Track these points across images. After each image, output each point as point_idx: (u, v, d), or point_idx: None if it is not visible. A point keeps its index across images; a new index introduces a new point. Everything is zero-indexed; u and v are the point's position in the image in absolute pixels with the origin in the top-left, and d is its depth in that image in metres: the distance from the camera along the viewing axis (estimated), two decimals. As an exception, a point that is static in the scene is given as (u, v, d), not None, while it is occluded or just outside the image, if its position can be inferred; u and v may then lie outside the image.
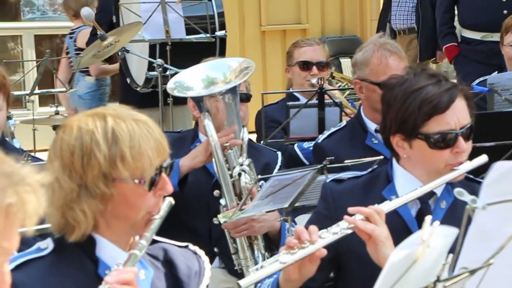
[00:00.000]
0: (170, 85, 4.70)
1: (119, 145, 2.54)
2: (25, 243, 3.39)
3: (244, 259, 4.30)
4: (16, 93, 7.11)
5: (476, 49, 7.96)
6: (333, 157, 4.00)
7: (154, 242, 2.72)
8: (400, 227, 3.18)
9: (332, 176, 3.61)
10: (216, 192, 4.50)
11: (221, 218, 4.23)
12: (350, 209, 3.03)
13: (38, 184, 1.82)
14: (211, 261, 4.43)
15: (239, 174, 4.38)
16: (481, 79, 6.00)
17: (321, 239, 2.94)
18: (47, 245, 2.65)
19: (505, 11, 7.55)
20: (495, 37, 7.01)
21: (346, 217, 3.01)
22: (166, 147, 2.65)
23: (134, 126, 2.59)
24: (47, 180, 1.88)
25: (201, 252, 2.87)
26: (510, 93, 5.51)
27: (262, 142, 5.33)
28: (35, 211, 1.81)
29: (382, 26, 9.93)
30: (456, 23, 8.41)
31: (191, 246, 2.87)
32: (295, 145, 5.08)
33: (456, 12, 8.36)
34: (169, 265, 2.76)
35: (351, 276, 3.29)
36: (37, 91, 7.45)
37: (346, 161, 4.05)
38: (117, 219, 2.62)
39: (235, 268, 4.35)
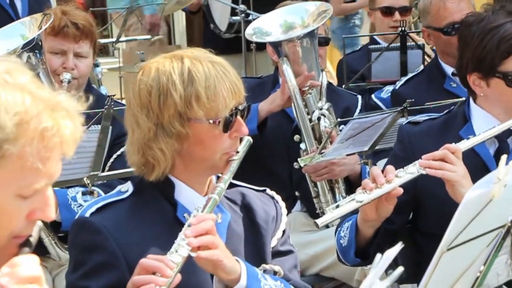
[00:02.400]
0: (249, 31, 4.71)
1: (194, 85, 2.57)
2: (110, 186, 3.46)
3: (325, 203, 4.31)
4: (102, 41, 7.19)
5: None
6: (413, 99, 3.97)
7: (232, 186, 2.74)
8: (478, 165, 3.15)
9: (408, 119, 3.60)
10: (296, 137, 4.49)
11: (301, 162, 4.24)
12: (424, 157, 3.01)
13: (75, 110, 1.84)
14: (293, 205, 4.54)
15: (319, 118, 4.38)
16: None
17: (398, 178, 2.95)
18: (127, 188, 2.70)
19: None
20: None
21: (421, 161, 3.00)
22: (241, 89, 2.66)
23: (210, 67, 2.61)
24: (84, 109, 1.89)
25: (278, 197, 2.88)
26: None
27: (343, 86, 5.30)
28: (73, 136, 1.81)
29: None
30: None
31: (268, 191, 2.88)
32: (373, 95, 5.03)
33: None
34: (246, 209, 2.78)
35: (430, 216, 3.25)
36: (123, 38, 7.53)
37: (426, 103, 4.01)
38: (194, 161, 2.65)
39: (317, 211, 4.35)
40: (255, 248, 2.73)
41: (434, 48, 5.08)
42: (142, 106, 2.61)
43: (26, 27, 4.20)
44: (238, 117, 2.64)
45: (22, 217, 1.82)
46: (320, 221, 2.97)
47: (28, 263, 1.80)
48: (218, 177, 2.66)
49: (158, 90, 2.58)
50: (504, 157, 2.33)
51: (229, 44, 7.09)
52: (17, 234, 1.83)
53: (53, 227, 3.86)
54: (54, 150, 1.79)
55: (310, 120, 4.39)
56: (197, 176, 2.67)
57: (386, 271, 3.10)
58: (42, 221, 3.83)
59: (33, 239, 1.86)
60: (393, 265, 3.36)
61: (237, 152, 2.67)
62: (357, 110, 4.55)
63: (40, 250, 3.88)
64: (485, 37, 3.19)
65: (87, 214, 2.63)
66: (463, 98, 3.83)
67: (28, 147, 1.76)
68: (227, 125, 2.61)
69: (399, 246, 2.10)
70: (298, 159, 4.25)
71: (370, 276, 1.98)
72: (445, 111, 3.48)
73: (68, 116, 1.81)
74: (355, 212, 3.01)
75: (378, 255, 2.10)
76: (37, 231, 1.88)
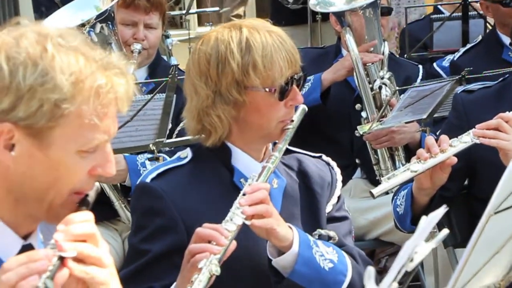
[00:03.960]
0: (313, 1, 4.70)
1: (251, 54, 2.58)
2: (176, 152, 3.50)
3: (385, 170, 4.31)
4: (172, 13, 7.23)
5: None
6: (471, 68, 3.94)
7: (289, 152, 2.74)
8: None
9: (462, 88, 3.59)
10: (357, 106, 4.49)
11: (360, 129, 4.24)
12: (478, 126, 2.99)
13: (127, 68, 1.86)
14: (353, 172, 4.56)
15: (380, 87, 4.37)
16: None
17: (452, 148, 2.93)
18: (187, 154, 2.72)
19: None
20: None
21: (475, 130, 2.98)
22: (297, 59, 2.66)
23: (267, 36, 2.61)
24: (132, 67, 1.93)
25: (333, 163, 2.87)
26: None
27: (405, 56, 5.27)
28: (126, 92, 1.85)
29: None
30: None
31: (324, 157, 2.87)
32: (434, 63, 4.98)
33: None
34: (302, 175, 2.77)
35: (485, 182, 3.22)
36: (192, 10, 7.56)
37: (484, 72, 3.98)
38: (250, 128, 2.66)
39: (376, 178, 4.33)
40: (310, 213, 2.73)
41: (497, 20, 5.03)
42: (201, 74, 2.63)
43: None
44: (294, 86, 2.64)
45: (84, 173, 1.85)
46: (376, 191, 2.98)
47: (83, 221, 1.82)
48: (274, 144, 2.66)
49: (217, 59, 2.60)
50: None
51: (296, 15, 7.07)
52: (78, 189, 1.86)
53: (123, 191, 3.94)
54: (109, 106, 1.83)
55: (372, 89, 4.39)
56: (253, 143, 2.68)
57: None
58: (114, 186, 3.92)
59: (91, 199, 1.89)
60: (449, 231, 3.41)
61: (292, 121, 2.66)
62: (418, 80, 4.52)
63: (111, 213, 3.98)
64: None
65: (148, 179, 2.66)
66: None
67: (85, 105, 1.80)
68: (283, 94, 2.61)
69: (443, 209, 2.11)
70: (358, 127, 4.26)
71: (414, 237, 2.00)
72: (499, 79, 3.45)
73: (121, 74, 1.85)
74: (410, 180, 3.00)
75: (423, 217, 2.12)
76: (94, 192, 1.90)
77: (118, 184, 3.92)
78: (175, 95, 3.58)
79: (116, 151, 3.66)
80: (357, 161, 4.56)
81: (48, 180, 1.84)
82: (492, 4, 4.51)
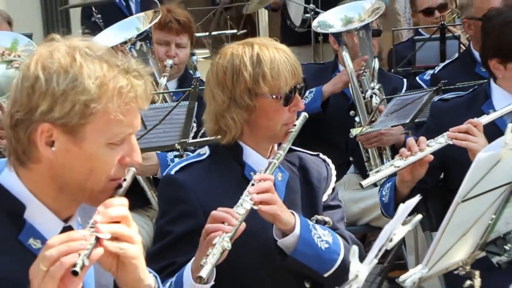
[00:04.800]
0: (315, 24, 4.73)
1: (261, 66, 2.59)
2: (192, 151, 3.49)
3: (375, 166, 4.28)
4: (198, 35, 7.23)
5: None
6: (446, 80, 3.93)
7: (292, 150, 2.74)
8: (497, 135, 3.08)
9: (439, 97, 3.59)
10: (352, 112, 4.48)
11: (353, 132, 4.23)
12: (452, 129, 2.99)
13: (145, 71, 1.87)
14: (347, 168, 4.54)
15: (371, 96, 4.38)
16: None
17: (429, 147, 2.93)
18: (205, 151, 2.74)
19: None
20: None
21: (448, 133, 2.98)
22: (300, 72, 2.68)
23: (275, 52, 2.63)
24: (151, 71, 1.93)
25: (329, 160, 2.87)
26: None
27: (392, 70, 5.26)
28: (145, 92, 1.85)
29: None
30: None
31: (321, 155, 2.87)
32: (417, 77, 4.95)
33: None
34: (303, 170, 2.77)
35: (456, 177, 3.20)
36: (214, 33, 7.56)
37: (458, 84, 3.97)
38: (259, 129, 2.66)
39: (367, 173, 4.32)
40: (309, 202, 2.73)
41: (468, 38, 5.01)
42: (218, 83, 2.64)
43: (140, 22, 4.29)
44: (297, 94, 2.65)
45: (115, 162, 1.85)
46: (364, 182, 2.98)
47: (119, 205, 1.83)
48: (279, 145, 2.67)
49: (232, 70, 2.61)
50: (510, 125, 2.32)
51: (302, 37, 7.04)
52: (113, 177, 1.86)
53: (155, 183, 3.94)
54: (131, 104, 1.84)
55: (364, 98, 4.39)
56: (262, 143, 2.69)
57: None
58: (147, 178, 3.92)
59: (126, 184, 1.89)
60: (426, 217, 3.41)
61: (295, 125, 2.67)
62: (403, 91, 4.51)
63: (144, 201, 3.98)
64: (503, 28, 3.16)
65: (173, 172, 2.67)
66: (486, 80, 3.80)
67: (110, 103, 1.81)
68: (287, 100, 2.62)
69: (417, 199, 2.11)
70: (352, 130, 4.24)
71: (393, 221, 2.00)
72: (470, 90, 3.45)
73: (139, 76, 1.86)
74: (394, 174, 3.00)
75: (401, 205, 2.11)
76: (130, 177, 1.91)
77: (151, 177, 3.91)
78: (197, 103, 3.57)
79: (148, 149, 3.70)
80: (351, 159, 4.54)
81: (84, 170, 1.84)
82: (475, 21, 4.44)
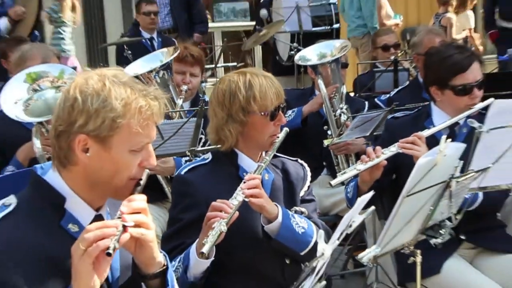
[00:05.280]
0: (296, 58, 4.72)
1: (252, 90, 2.58)
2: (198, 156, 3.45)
3: (342, 169, 4.23)
4: (207, 66, 7.26)
5: (509, 35, 7.40)
6: (398, 102, 3.94)
7: (276, 156, 2.73)
8: (436, 146, 3.11)
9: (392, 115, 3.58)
10: (325, 127, 4.45)
11: (326, 142, 4.23)
12: (401, 141, 2.98)
13: (160, 95, 1.86)
14: (321, 171, 4.49)
15: (340, 115, 4.34)
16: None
17: (383, 154, 2.92)
18: (208, 156, 2.72)
19: None
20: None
21: (398, 143, 2.97)
22: (282, 94, 2.66)
23: (263, 79, 2.61)
24: (167, 95, 1.93)
25: (305, 164, 2.85)
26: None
27: (356, 95, 5.26)
28: (159, 111, 1.85)
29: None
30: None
31: (299, 160, 2.86)
32: (375, 99, 4.94)
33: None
34: (285, 172, 2.76)
35: (404, 177, 3.21)
36: (219, 65, 7.58)
37: (406, 105, 3.97)
38: (250, 139, 2.64)
39: (336, 174, 4.30)
40: (289, 196, 2.72)
41: (416, 70, 5.01)
42: (218, 103, 2.63)
43: (163, 55, 4.28)
44: (280, 111, 2.64)
45: (135, 165, 1.85)
46: (333, 182, 2.95)
47: (139, 199, 1.83)
48: (266, 152, 2.66)
49: (229, 93, 2.60)
50: (443, 137, 2.34)
51: (288, 69, 7.09)
52: (133, 177, 1.86)
53: (171, 181, 3.92)
54: (148, 120, 1.83)
55: (334, 116, 4.35)
56: (252, 150, 2.67)
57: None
58: (165, 177, 3.89)
59: (142, 183, 1.88)
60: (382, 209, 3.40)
61: (278, 137, 2.65)
62: (365, 111, 4.50)
63: (163, 196, 3.96)
64: (441, 63, 3.15)
65: (183, 172, 2.66)
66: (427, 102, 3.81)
67: (132, 119, 1.80)
68: (273, 116, 2.61)
69: (370, 194, 2.12)
70: (324, 141, 4.24)
71: (351, 211, 2.01)
72: (415, 110, 3.45)
73: (155, 98, 1.85)
74: (356, 176, 2.98)
75: (358, 199, 2.12)
76: (145, 178, 1.89)
77: (169, 176, 3.90)
78: (203, 119, 3.57)
79: (166, 155, 3.69)
80: (324, 163, 4.50)
81: (111, 171, 1.84)
82: (422, 56, 4.42)
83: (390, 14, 8.72)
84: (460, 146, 2.36)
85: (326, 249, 1.89)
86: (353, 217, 1.97)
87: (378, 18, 7.94)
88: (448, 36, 8.87)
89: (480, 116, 2.97)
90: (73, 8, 7.77)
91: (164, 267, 1.91)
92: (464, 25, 8.98)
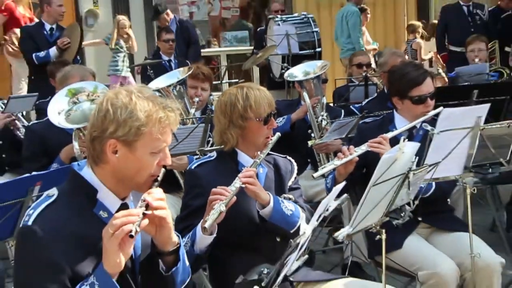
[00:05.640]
0: (286, 75, 4.70)
1: (249, 100, 2.56)
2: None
3: (323, 164, 4.25)
4: (215, 82, 7.25)
5: (457, 56, 7.38)
6: (367, 110, 3.93)
7: (269, 154, 2.71)
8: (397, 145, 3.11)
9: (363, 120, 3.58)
10: (309, 131, 4.43)
11: (310, 143, 4.21)
12: (370, 141, 2.97)
13: (176, 107, 1.86)
14: (306, 166, 4.45)
15: (321, 120, 4.33)
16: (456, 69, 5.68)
17: (355, 152, 2.90)
18: (214, 154, 2.70)
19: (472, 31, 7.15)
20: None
21: (368, 143, 2.97)
22: (273, 103, 2.64)
23: (257, 91, 2.60)
24: (181, 106, 1.91)
25: (293, 160, 2.83)
26: (467, 77, 5.24)
27: (335, 104, 5.25)
28: (175, 121, 1.85)
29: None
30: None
31: (288, 157, 2.83)
32: (351, 106, 4.95)
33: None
34: (276, 166, 2.74)
35: (372, 171, 3.20)
36: (224, 81, 7.58)
37: (375, 112, 3.97)
38: (248, 141, 2.62)
39: (318, 169, 4.29)
40: (279, 186, 2.71)
41: (382, 84, 5.00)
42: (221, 112, 2.61)
43: (179, 73, 4.26)
44: (272, 117, 2.63)
45: (155, 164, 1.85)
46: (315, 174, 2.93)
47: (157, 192, 1.84)
48: (261, 151, 2.63)
49: (230, 103, 2.58)
50: (402, 138, 2.33)
51: (280, 84, 7.05)
52: (152, 174, 1.85)
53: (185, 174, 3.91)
54: (166, 128, 1.83)
55: (317, 122, 4.34)
56: (249, 149, 2.64)
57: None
58: (180, 172, 3.87)
59: (159, 179, 1.88)
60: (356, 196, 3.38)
61: (271, 139, 2.64)
62: (341, 117, 4.49)
63: (178, 187, 3.92)
64: (400, 78, 3.15)
65: (193, 167, 2.65)
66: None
67: (153, 127, 1.80)
68: (266, 121, 2.60)
69: (342, 185, 2.10)
70: (308, 142, 4.22)
71: (327, 198, 2.00)
72: (381, 116, 3.45)
73: (172, 110, 1.85)
74: (334, 170, 2.97)
75: (334, 188, 2.11)
76: (161, 175, 1.89)
77: (183, 171, 3.88)
78: (210, 125, 3.56)
79: (180, 154, 3.68)
80: (309, 160, 4.49)
81: (135, 169, 1.84)
82: (387, 73, 4.42)
83: (369, 40, 9.07)
84: (416, 145, 2.36)
85: (307, 229, 1.89)
86: (329, 203, 1.96)
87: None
88: (418, 56, 9.04)
89: (433, 121, 2.97)
90: (128, 38, 7.82)
91: (178, 245, 1.92)
92: (431, 49, 9.20)
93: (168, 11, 7.72)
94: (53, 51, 6.23)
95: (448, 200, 3.30)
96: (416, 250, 2.98)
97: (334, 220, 4.21)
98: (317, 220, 1.90)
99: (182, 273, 1.96)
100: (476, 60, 5.65)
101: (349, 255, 3.81)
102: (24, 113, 4.75)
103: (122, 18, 7.89)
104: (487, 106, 2.83)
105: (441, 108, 2.89)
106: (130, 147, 1.81)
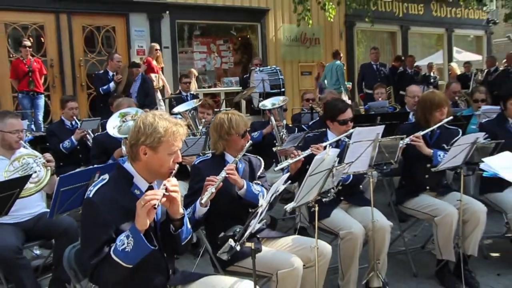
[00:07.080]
0: (260, 105, 4.68)
1: (232, 122, 2.51)
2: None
3: (286, 163, 4.21)
4: (216, 109, 7.18)
5: (369, 96, 7.46)
6: (311, 128, 3.93)
7: (244, 155, 2.66)
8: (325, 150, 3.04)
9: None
10: (275, 141, 4.42)
11: (275, 149, 4.15)
12: (312, 146, 2.93)
13: (184, 124, 1.86)
14: (272, 164, 4.34)
15: (282, 134, 4.33)
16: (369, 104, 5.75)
17: (302, 154, 2.86)
18: (209, 154, 2.65)
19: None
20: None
21: (310, 148, 2.92)
22: (248, 123, 2.59)
23: (237, 116, 2.55)
24: (186, 123, 1.91)
25: (261, 158, 2.76)
26: (375, 109, 5.30)
27: (292, 124, 5.23)
28: (184, 132, 1.84)
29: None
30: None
31: (258, 156, 2.77)
32: (302, 125, 4.94)
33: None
34: (249, 163, 2.69)
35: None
36: (222, 109, 7.51)
37: (316, 130, 3.97)
38: (231, 147, 2.58)
39: (278, 165, 4.24)
40: (251, 176, 2.66)
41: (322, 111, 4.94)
42: (214, 129, 2.57)
43: (194, 103, 4.23)
44: (247, 133, 2.59)
45: (171, 161, 1.83)
46: (276, 168, 2.86)
47: (173, 180, 1.82)
48: (239, 153, 2.59)
49: (219, 124, 2.54)
50: (328, 146, 2.35)
51: (257, 111, 6.95)
52: (170, 168, 1.84)
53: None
54: (178, 138, 1.82)
55: (280, 135, 4.35)
56: (233, 152, 2.60)
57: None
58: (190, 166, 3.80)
59: (174, 171, 1.86)
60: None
61: (245, 146, 2.60)
62: (295, 133, 4.44)
63: (187, 176, 3.80)
64: (332, 108, 3.12)
65: (196, 163, 2.60)
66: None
67: (169, 137, 1.80)
68: (243, 136, 2.56)
69: (286, 175, 2.09)
70: (273, 148, 4.18)
71: (277, 183, 2.01)
72: (320, 132, 3.37)
73: (181, 126, 1.84)
74: (288, 166, 2.88)
75: (283, 175, 2.13)
76: (176, 169, 1.85)
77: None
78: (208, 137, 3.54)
79: (190, 155, 3.64)
80: (273, 160, 4.47)
81: (158, 165, 1.83)
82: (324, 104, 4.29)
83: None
84: (337, 151, 2.39)
85: (263, 203, 1.91)
86: (278, 186, 1.99)
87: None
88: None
89: (350, 135, 2.99)
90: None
91: (183, 215, 1.92)
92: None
93: (140, 68, 7.18)
94: (112, 85, 6.44)
95: (360, 186, 3.31)
96: (339, 218, 2.99)
97: (290, 199, 4.20)
98: (270, 198, 1.92)
99: (185, 233, 1.96)
100: (380, 99, 5.77)
101: (298, 221, 3.83)
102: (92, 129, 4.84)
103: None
104: (382, 127, 2.86)
105: (355, 128, 2.94)
106: (155, 150, 1.82)
